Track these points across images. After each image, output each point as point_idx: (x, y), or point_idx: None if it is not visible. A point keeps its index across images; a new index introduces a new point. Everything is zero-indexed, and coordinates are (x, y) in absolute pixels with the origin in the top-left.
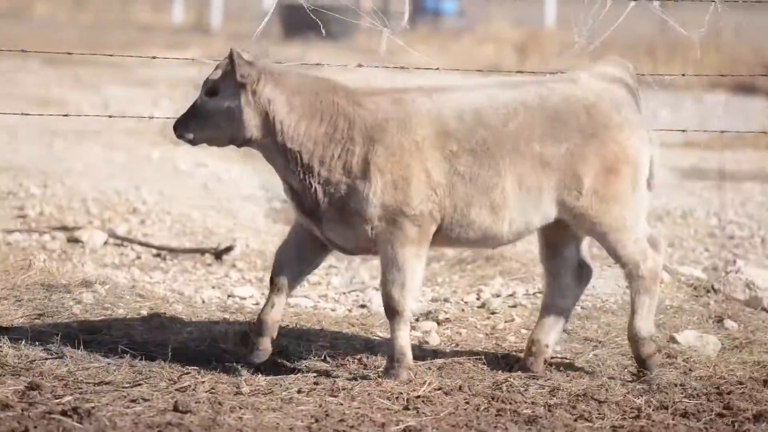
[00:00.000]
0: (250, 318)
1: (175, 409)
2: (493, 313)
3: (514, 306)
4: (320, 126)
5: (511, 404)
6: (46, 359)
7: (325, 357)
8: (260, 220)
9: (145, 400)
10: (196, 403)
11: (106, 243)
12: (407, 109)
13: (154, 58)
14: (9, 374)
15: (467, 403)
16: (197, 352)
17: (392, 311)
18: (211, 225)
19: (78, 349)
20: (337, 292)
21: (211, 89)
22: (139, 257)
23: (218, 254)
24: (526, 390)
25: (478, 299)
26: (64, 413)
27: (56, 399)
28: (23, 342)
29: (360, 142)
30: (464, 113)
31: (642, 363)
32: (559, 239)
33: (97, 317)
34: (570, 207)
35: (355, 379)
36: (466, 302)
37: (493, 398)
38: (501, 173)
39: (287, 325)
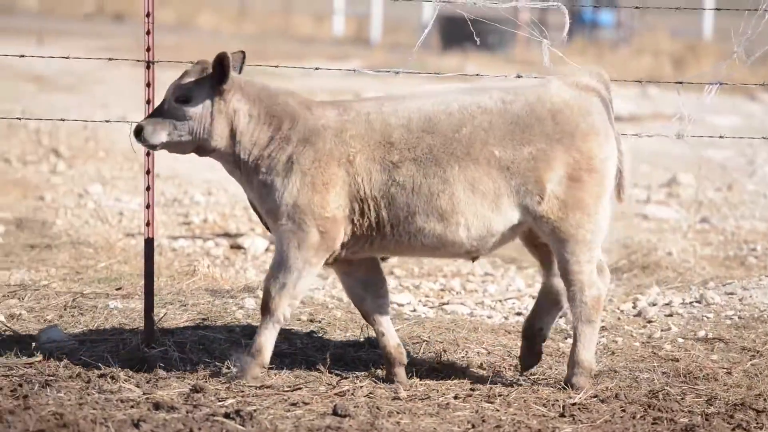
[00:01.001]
0: (407, 324)
1: (335, 413)
2: (649, 321)
3: (671, 315)
4: (268, 130)
5: (667, 413)
6: (210, 363)
7: (481, 364)
8: None
9: (305, 403)
10: (354, 407)
11: (267, 250)
12: (347, 120)
13: (317, 69)
14: (174, 377)
15: (623, 411)
16: (355, 357)
17: (265, 307)
18: None
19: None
20: (493, 299)
21: (183, 96)
22: None
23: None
24: (682, 399)
25: (634, 308)
26: (227, 416)
27: (219, 402)
28: (188, 345)
29: (294, 142)
30: (412, 121)
31: (572, 388)
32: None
33: (258, 321)
34: (531, 211)
35: (511, 386)
36: (622, 311)
37: (649, 406)
38: (449, 180)
39: (444, 331)
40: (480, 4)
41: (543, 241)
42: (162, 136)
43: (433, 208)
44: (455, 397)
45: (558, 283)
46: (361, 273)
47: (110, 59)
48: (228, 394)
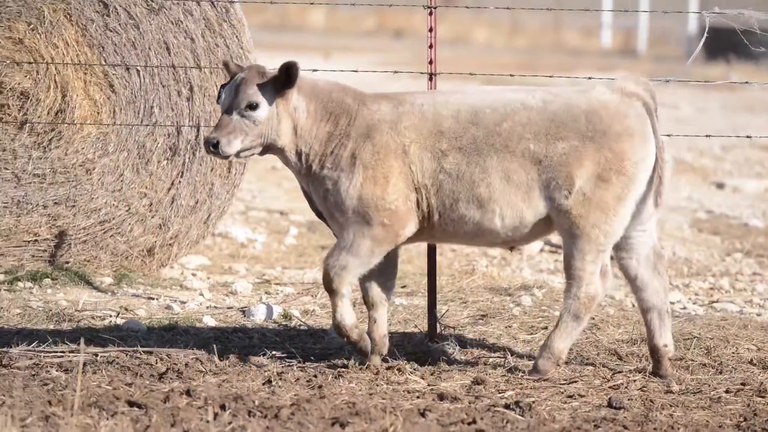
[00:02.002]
0: (678, 321)
1: (609, 405)
2: None
3: None
4: (326, 126)
5: None
6: (490, 356)
7: (752, 360)
8: (686, 229)
9: (581, 396)
10: (628, 400)
11: (542, 250)
12: (402, 111)
13: (590, 78)
14: (456, 370)
15: None
16: (629, 352)
17: (329, 288)
18: None
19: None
20: (761, 297)
21: (251, 103)
22: None
23: None
24: None
25: None
26: (507, 406)
27: (499, 393)
28: (468, 340)
29: (354, 138)
30: (461, 113)
31: (534, 369)
32: (627, 241)
33: (535, 318)
34: (557, 204)
35: None
36: None
37: None
38: (487, 169)
39: (714, 328)
40: (748, 15)
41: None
42: (236, 146)
43: (474, 195)
44: (726, 391)
45: (656, 300)
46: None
47: (395, 72)
48: (508, 386)
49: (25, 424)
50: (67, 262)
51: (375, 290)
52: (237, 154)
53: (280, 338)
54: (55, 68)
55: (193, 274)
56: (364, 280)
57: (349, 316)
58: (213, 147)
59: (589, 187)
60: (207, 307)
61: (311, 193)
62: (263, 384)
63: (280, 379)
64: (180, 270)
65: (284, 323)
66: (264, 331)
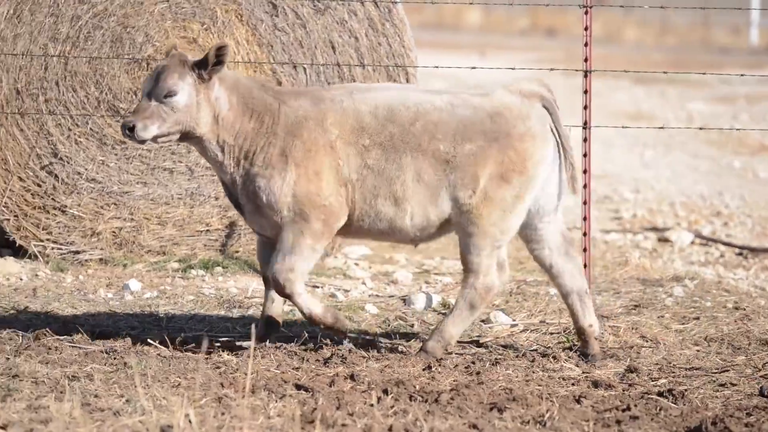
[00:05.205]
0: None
1: (761, 394)
2: None
3: None
4: (250, 122)
5: None
6: (642, 346)
7: None
8: None
9: (733, 384)
10: None
11: (692, 242)
12: (325, 108)
13: (742, 75)
14: (610, 358)
15: None
16: None
17: (282, 292)
18: None
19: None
20: None
21: (170, 90)
22: (722, 255)
23: None
24: None
25: None
26: (660, 394)
27: (652, 381)
28: (621, 329)
29: (282, 136)
30: (378, 109)
31: (422, 349)
32: (537, 232)
33: (687, 309)
34: (461, 203)
35: None
36: None
37: None
38: (403, 167)
39: None
40: None
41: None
42: (152, 131)
43: (391, 192)
44: None
45: (574, 283)
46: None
47: (551, 69)
48: (660, 374)
49: (200, 404)
50: (237, 251)
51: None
52: (154, 139)
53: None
54: (226, 66)
55: (356, 264)
56: (262, 265)
57: (315, 305)
58: (129, 131)
59: (490, 186)
60: (369, 296)
61: (237, 188)
62: (423, 370)
63: (440, 365)
64: (343, 259)
65: (443, 311)
66: (423, 319)
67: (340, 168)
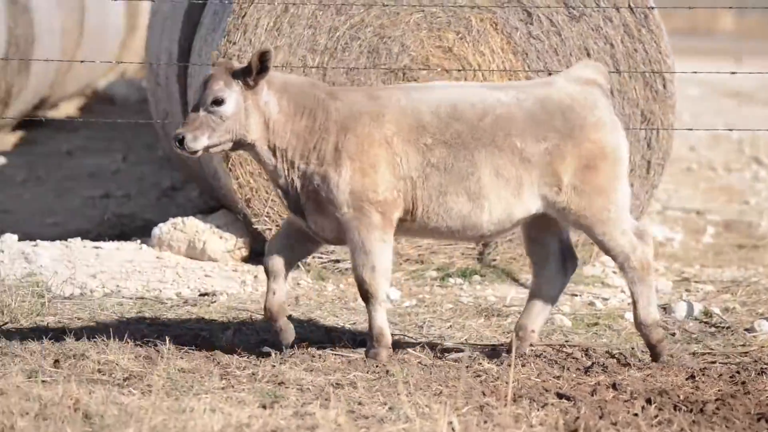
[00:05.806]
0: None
1: None
2: None
3: None
4: (302, 120)
5: None
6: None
7: None
8: None
9: None
10: None
11: None
12: (381, 105)
13: None
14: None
15: None
16: None
17: (366, 294)
18: None
19: None
20: None
21: (217, 99)
22: None
23: None
24: None
25: None
26: None
27: None
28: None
29: (334, 131)
30: (440, 108)
31: (653, 349)
32: (541, 232)
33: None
34: (552, 202)
35: None
36: None
37: None
38: (476, 163)
39: None
40: None
41: (539, 244)
42: (203, 141)
43: (463, 189)
44: None
45: (549, 291)
46: (299, 234)
47: None
48: None
49: (462, 413)
50: (494, 260)
51: (279, 262)
52: (205, 150)
53: (700, 335)
54: (482, 75)
55: (614, 272)
56: (271, 251)
57: (386, 325)
58: (179, 143)
59: (578, 180)
60: (628, 304)
61: (296, 191)
62: (686, 379)
63: (703, 375)
64: (601, 268)
65: (705, 320)
66: (685, 327)
67: (398, 165)
